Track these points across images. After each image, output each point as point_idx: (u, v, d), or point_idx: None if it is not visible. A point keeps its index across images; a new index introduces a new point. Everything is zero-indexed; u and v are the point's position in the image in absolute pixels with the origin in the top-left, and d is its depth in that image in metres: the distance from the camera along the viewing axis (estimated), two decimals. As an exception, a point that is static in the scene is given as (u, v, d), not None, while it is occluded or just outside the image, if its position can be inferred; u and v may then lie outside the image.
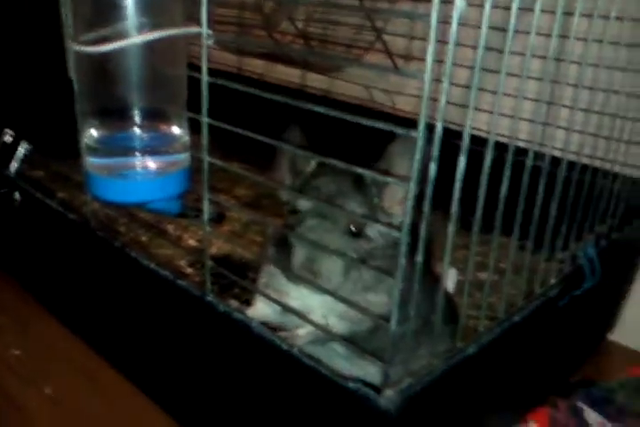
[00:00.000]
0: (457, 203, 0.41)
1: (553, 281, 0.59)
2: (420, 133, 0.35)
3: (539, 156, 0.51)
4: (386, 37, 1.02)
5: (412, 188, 0.36)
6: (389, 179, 0.41)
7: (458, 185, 0.41)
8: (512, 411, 0.73)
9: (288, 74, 1.18)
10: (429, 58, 0.34)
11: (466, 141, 0.40)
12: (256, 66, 1.23)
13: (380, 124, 0.37)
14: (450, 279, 0.76)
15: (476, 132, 0.43)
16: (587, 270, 0.61)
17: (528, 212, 0.51)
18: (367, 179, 0.52)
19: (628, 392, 0.79)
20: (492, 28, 0.39)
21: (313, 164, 0.55)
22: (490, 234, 0.50)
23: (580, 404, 0.76)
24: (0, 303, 0.91)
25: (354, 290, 0.51)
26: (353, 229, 0.51)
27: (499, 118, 0.44)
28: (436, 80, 0.36)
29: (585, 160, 0.63)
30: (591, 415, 0.74)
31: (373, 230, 0.52)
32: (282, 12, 1.03)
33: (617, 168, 0.69)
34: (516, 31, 0.42)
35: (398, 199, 0.52)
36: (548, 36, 0.48)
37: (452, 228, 0.42)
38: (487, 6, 0.37)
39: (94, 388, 0.76)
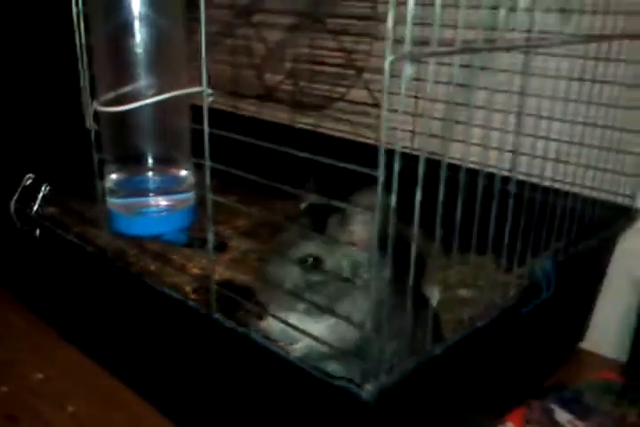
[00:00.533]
0: (439, 226, 0.50)
1: (512, 293, 0.67)
2: (379, 171, 0.44)
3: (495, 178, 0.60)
4: (366, 75, 1.11)
5: (377, 216, 0.45)
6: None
7: (439, 210, 0.49)
8: (490, 412, 0.81)
9: (280, 110, 1.27)
10: (384, 96, 0.43)
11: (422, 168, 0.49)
12: (250, 105, 1.32)
13: (343, 164, 0.46)
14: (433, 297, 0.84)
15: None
16: (543, 282, 0.69)
17: (486, 230, 0.60)
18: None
19: (595, 393, 0.87)
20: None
21: (304, 205, 0.64)
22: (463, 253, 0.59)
23: (552, 405, 0.84)
24: (22, 332, 0.99)
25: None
26: (309, 261, 0.60)
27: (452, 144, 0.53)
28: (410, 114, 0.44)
29: (535, 180, 0.71)
30: (561, 415, 0.82)
31: (332, 262, 0.60)
32: (271, 55, 1.13)
33: (568, 188, 0.78)
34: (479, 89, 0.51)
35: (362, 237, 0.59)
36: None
37: (435, 251, 0.51)
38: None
39: (112, 406, 0.83)
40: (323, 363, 0.56)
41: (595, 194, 0.84)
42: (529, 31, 0.58)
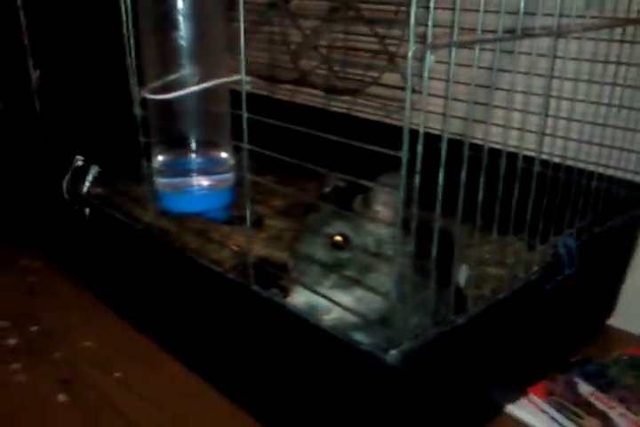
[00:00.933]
0: (461, 205, 0.54)
1: (536, 268, 0.71)
2: (404, 152, 0.47)
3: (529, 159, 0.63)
4: (398, 60, 1.14)
5: (402, 194, 0.49)
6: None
7: (462, 191, 0.53)
8: (513, 384, 0.84)
9: (314, 95, 1.30)
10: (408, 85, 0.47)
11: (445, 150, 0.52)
12: (285, 89, 1.35)
13: (371, 146, 0.50)
14: (461, 274, 0.87)
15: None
16: (565, 259, 0.72)
17: (509, 208, 0.64)
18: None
19: (620, 368, 0.90)
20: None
21: (328, 188, 0.68)
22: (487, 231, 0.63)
23: (576, 378, 0.87)
24: (74, 304, 1.06)
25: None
26: (338, 241, 0.64)
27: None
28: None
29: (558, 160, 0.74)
30: (584, 387, 0.85)
31: (359, 240, 0.64)
32: (306, 42, 1.16)
33: (593, 168, 0.80)
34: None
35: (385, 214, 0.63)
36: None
37: (459, 228, 0.54)
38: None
39: (155, 372, 0.89)
40: (350, 333, 0.60)
41: (620, 174, 0.86)
42: (554, 16, 0.61)
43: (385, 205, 0.62)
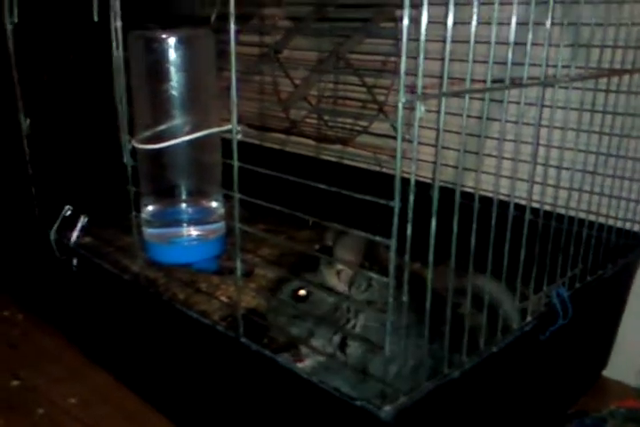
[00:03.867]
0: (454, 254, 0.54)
1: (529, 319, 0.69)
2: (396, 203, 0.47)
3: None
4: (387, 108, 1.15)
5: (394, 243, 0.48)
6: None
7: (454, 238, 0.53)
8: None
9: (304, 144, 1.31)
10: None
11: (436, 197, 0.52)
12: (276, 137, 1.36)
13: (362, 196, 0.49)
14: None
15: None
16: (558, 309, 0.71)
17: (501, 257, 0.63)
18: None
19: (617, 421, 0.87)
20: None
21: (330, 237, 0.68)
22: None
23: (574, 431, 0.85)
24: (57, 358, 1.03)
25: None
26: (300, 295, 0.67)
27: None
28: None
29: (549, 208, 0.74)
30: (583, 441, 0.83)
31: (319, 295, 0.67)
32: (297, 92, 1.17)
33: (583, 216, 0.80)
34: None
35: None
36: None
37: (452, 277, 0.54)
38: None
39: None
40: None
41: (611, 222, 0.86)
42: (541, 66, 0.62)
43: (343, 264, 0.66)
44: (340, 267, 0.67)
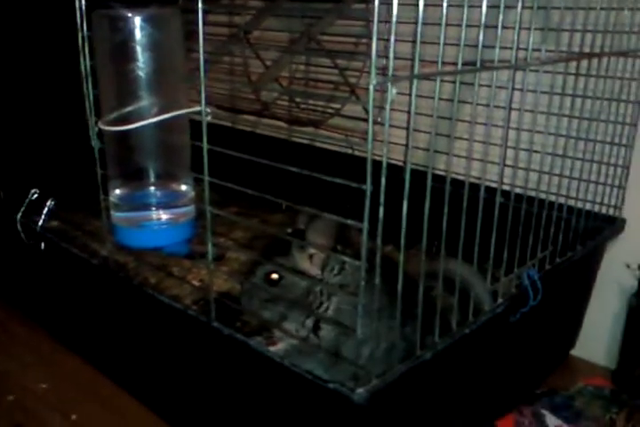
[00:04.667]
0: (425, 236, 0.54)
1: (500, 300, 0.70)
2: (367, 186, 0.47)
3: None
4: (359, 91, 1.14)
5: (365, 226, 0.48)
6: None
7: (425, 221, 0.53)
8: (481, 417, 0.83)
9: (276, 126, 1.30)
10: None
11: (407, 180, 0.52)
12: (247, 120, 1.35)
13: (333, 179, 0.49)
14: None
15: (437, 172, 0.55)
16: (529, 291, 0.72)
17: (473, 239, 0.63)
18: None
19: (586, 399, 0.89)
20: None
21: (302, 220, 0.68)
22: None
23: (543, 410, 0.86)
24: (26, 343, 1.02)
25: None
26: (272, 278, 0.67)
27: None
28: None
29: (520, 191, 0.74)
30: (551, 419, 0.85)
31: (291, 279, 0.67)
32: (268, 74, 1.16)
33: (554, 198, 0.81)
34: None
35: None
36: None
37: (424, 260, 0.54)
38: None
39: (114, 413, 0.86)
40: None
41: (580, 204, 0.87)
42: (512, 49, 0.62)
43: (316, 249, 0.65)
44: (312, 251, 0.66)
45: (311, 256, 0.67)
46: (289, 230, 0.71)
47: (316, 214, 0.57)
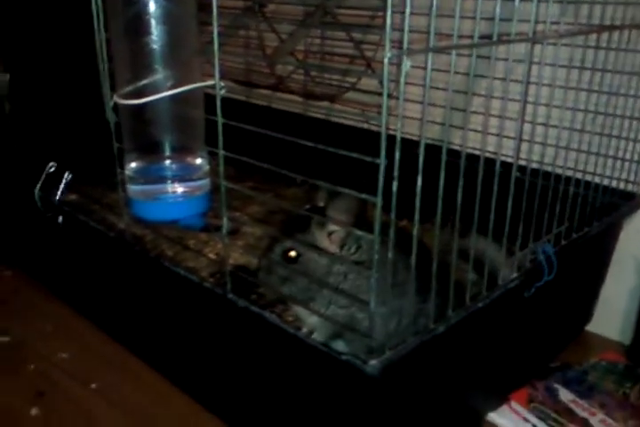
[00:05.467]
0: (440, 210, 0.54)
1: (515, 275, 0.70)
2: (381, 160, 0.47)
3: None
4: (375, 65, 1.13)
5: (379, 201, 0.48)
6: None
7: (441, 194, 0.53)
8: (494, 391, 0.84)
9: (291, 100, 1.29)
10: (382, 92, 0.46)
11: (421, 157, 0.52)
12: (263, 94, 1.34)
13: (349, 153, 0.49)
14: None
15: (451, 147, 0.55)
16: (544, 265, 0.72)
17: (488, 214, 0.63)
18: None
19: (599, 373, 0.90)
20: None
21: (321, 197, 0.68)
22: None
23: (556, 384, 0.87)
24: (47, 314, 1.04)
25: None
26: (290, 256, 0.67)
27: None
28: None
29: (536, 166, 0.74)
30: (565, 394, 0.85)
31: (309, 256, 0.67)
32: (283, 47, 1.15)
33: (571, 173, 0.80)
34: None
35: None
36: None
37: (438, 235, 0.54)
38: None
39: (131, 382, 0.88)
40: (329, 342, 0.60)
41: (598, 180, 0.86)
42: (529, 22, 0.61)
43: (337, 226, 0.65)
44: (331, 228, 0.66)
45: (330, 234, 0.67)
46: (307, 207, 0.71)
47: (335, 191, 0.57)
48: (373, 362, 0.53)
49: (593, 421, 0.80)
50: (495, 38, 0.55)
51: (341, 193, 0.56)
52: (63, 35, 1.07)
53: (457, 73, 0.53)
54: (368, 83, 1.12)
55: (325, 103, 1.19)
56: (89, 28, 0.67)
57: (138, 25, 0.68)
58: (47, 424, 0.80)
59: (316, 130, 0.90)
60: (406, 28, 0.44)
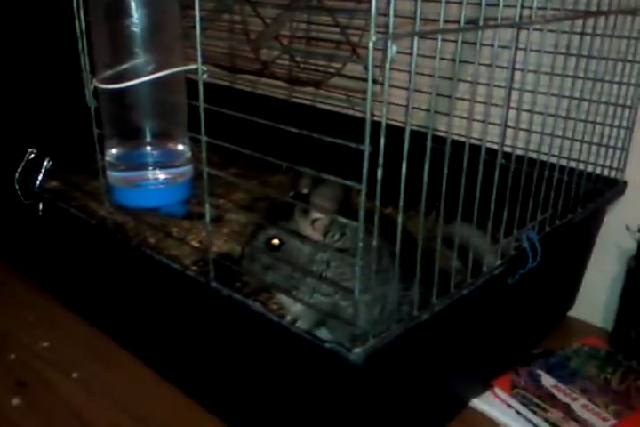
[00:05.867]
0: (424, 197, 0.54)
1: (499, 262, 0.70)
2: (366, 146, 0.46)
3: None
4: (361, 51, 1.12)
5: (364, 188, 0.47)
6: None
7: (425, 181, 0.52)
8: (478, 377, 0.84)
9: (276, 85, 1.28)
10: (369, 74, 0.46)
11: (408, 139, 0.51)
12: (247, 79, 1.33)
13: (334, 139, 0.48)
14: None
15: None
16: (528, 252, 0.72)
17: (472, 202, 0.63)
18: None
19: (581, 359, 0.90)
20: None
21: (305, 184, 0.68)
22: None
23: (539, 370, 0.88)
24: (27, 302, 1.03)
25: None
26: (274, 244, 0.67)
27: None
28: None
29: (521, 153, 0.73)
30: (547, 379, 0.86)
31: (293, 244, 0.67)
32: (267, 32, 1.14)
33: (555, 160, 0.80)
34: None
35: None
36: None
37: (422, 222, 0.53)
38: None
39: (113, 372, 0.87)
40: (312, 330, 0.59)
41: (582, 167, 0.86)
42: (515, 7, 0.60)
43: (320, 213, 0.65)
44: (315, 216, 0.66)
45: (314, 221, 0.66)
46: (291, 194, 0.70)
47: (319, 178, 0.56)
48: (357, 350, 0.53)
49: (575, 406, 0.81)
50: (481, 23, 0.55)
51: (326, 180, 0.55)
52: (42, 18, 1.05)
53: (442, 59, 0.52)
54: (353, 68, 1.11)
55: (310, 89, 1.18)
56: (68, 10, 0.66)
57: (118, 7, 0.66)
58: (29, 414, 0.80)
59: (300, 116, 0.89)
60: (391, 12, 0.43)
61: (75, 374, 0.87)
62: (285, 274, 0.66)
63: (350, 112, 1.16)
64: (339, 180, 0.52)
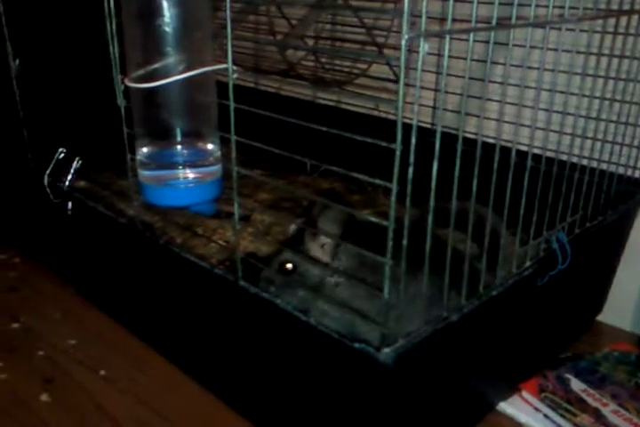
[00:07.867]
0: (454, 200, 0.53)
1: (528, 264, 0.69)
2: (397, 145, 0.46)
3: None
4: (386, 51, 1.12)
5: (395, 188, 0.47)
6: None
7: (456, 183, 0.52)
8: (505, 380, 0.83)
9: (300, 85, 1.28)
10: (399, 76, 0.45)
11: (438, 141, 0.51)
12: (271, 81, 1.34)
13: (363, 138, 0.48)
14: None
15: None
16: (558, 254, 0.71)
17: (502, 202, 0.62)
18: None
19: (611, 364, 0.89)
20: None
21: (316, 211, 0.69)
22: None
23: (567, 374, 0.86)
24: (55, 301, 1.04)
25: None
26: (286, 268, 0.69)
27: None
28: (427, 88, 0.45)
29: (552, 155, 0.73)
30: (576, 384, 0.84)
31: (305, 268, 0.69)
32: (293, 32, 1.14)
33: (585, 162, 0.79)
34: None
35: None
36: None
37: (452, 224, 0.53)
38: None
39: (140, 369, 0.87)
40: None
41: (613, 168, 0.85)
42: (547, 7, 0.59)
43: (328, 238, 0.67)
44: (323, 240, 0.68)
45: (323, 245, 0.69)
46: (302, 220, 0.72)
47: (326, 205, 0.59)
48: (386, 350, 0.53)
49: (605, 411, 0.79)
50: (513, 21, 0.54)
51: (330, 205, 0.59)
52: (74, 18, 1.06)
53: (472, 60, 0.52)
54: (378, 69, 1.11)
55: (335, 90, 1.18)
56: (100, 10, 0.66)
57: (151, 7, 0.67)
58: (57, 410, 0.80)
59: (325, 118, 0.89)
60: (424, 10, 0.43)
61: (102, 372, 0.87)
62: (301, 296, 0.68)
63: (375, 113, 1.16)
64: (366, 178, 0.51)
